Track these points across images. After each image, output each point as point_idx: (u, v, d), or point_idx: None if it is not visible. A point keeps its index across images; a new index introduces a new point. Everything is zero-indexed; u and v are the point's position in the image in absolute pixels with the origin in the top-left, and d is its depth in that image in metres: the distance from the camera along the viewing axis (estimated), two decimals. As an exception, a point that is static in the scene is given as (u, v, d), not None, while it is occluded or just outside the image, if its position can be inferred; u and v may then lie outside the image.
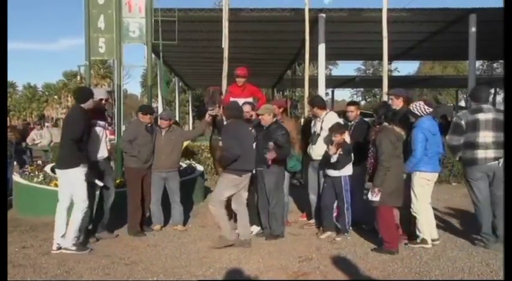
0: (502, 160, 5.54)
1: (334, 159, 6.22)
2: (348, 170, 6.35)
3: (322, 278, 4.87)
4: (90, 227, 6.34)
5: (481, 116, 5.81)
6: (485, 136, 5.76)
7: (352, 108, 7.06)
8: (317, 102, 6.91)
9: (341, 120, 6.88)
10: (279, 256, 5.60)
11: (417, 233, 6.00)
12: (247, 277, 4.91)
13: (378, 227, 6.00)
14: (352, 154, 6.36)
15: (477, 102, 5.99)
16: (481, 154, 5.78)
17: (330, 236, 6.39)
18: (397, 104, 6.41)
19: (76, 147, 5.68)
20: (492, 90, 42.47)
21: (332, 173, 6.39)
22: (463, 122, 5.90)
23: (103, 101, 6.41)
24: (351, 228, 6.56)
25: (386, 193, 5.66)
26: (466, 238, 6.28)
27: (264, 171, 6.48)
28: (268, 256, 5.61)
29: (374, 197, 5.67)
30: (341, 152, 6.20)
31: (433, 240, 5.99)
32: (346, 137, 6.45)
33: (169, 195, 7.07)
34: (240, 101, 7.22)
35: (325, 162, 6.43)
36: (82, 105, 5.88)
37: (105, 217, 6.51)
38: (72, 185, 5.76)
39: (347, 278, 4.88)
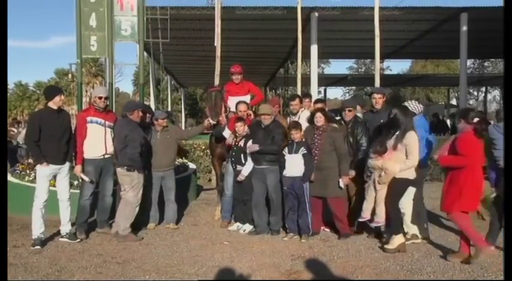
0: None
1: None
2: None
3: (314, 277, 4.89)
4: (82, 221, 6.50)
5: None
6: None
7: (319, 105, 6.96)
8: (293, 100, 7.21)
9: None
10: (271, 254, 5.61)
11: (406, 229, 6.03)
12: (240, 276, 4.91)
13: (337, 215, 6.34)
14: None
15: None
16: None
17: (293, 238, 6.33)
18: (380, 103, 6.36)
19: (34, 146, 5.95)
20: (483, 89, 42.90)
21: (291, 172, 6.30)
22: None
23: (102, 99, 6.47)
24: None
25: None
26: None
27: (265, 169, 6.55)
28: (261, 254, 5.62)
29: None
30: (305, 151, 6.22)
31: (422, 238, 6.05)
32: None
33: (164, 193, 7.07)
34: (238, 99, 7.33)
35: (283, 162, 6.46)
36: (50, 103, 6.03)
37: (104, 213, 6.59)
38: None
39: (339, 276, 4.89)
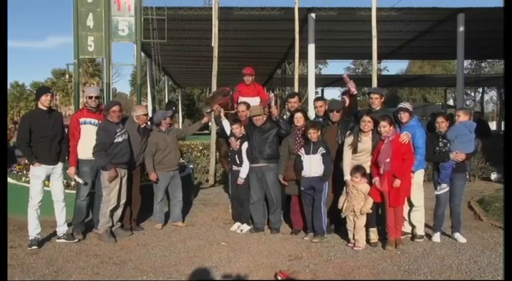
0: None
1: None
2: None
3: (311, 277, 4.88)
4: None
5: None
6: None
7: (320, 103, 6.88)
8: (292, 97, 7.22)
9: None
10: (268, 255, 5.61)
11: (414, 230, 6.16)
12: (237, 276, 4.91)
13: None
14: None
15: None
16: None
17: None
18: (378, 103, 6.37)
19: (24, 147, 5.91)
20: (480, 89, 43.03)
21: (310, 173, 6.17)
22: None
23: (92, 99, 6.44)
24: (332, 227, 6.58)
25: None
26: (447, 234, 6.34)
27: (263, 167, 6.57)
28: (258, 255, 5.62)
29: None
30: (324, 151, 6.14)
31: (419, 237, 6.12)
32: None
33: (171, 192, 7.16)
34: (248, 100, 7.35)
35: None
36: (39, 104, 6.03)
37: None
38: None
39: (337, 276, 4.89)
